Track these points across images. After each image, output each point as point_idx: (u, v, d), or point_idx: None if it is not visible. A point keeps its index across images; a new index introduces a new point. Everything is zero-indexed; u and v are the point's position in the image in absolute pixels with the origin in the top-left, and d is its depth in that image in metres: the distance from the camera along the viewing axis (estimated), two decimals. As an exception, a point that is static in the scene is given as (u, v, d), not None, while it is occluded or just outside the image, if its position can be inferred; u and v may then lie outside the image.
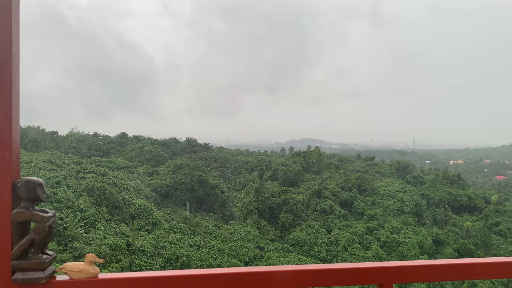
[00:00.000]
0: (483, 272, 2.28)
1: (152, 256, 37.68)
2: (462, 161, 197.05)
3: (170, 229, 46.87)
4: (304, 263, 41.23)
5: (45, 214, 1.78)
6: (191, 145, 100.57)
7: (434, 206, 67.42)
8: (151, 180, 65.97)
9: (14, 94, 1.71)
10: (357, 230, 55.25)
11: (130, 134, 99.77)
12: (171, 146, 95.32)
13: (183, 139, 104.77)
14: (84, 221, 38.95)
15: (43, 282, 1.74)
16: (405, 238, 53.88)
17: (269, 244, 50.65)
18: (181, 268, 36.29)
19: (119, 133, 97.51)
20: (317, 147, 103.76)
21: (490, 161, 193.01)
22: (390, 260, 45.45)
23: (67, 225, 35.59)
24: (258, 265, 41.68)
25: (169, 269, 24.09)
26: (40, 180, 1.81)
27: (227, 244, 45.99)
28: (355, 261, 46.57)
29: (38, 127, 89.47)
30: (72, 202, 42.23)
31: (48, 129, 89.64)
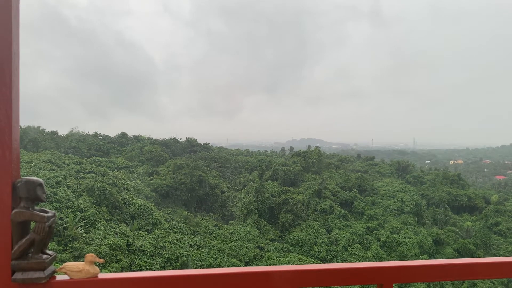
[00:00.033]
0: (483, 272, 2.28)
1: (152, 256, 37.68)
2: (462, 161, 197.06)
3: (170, 229, 46.88)
4: (304, 263, 41.23)
5: (45, 214, 1.78)
6: (191, 145, 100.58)
7: (434, 206, 67.43)
8: (151, 180, 65.97)
9: (14, 94, 1.71)
10: (357, 230, 55.27)
11: (130, 134, 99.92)
12: (171, 146, 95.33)
13: (183, 139, 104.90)
14: (84, 221, 38.95)
15: (43, 282, 1.74)
16: (405, 238, 53.89)
17: (269, 244, 50.66)
18: (181, 268, 36.30)
19: (119, 133, 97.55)
20: (317, 147, 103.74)
21: (490, 161, 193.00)
22: (390, 260, 45.47)
23: (67, 225, 35.60)
24: (258, 265, 41.70)
25: (169, 269, 24.08)
26: (40, 180, 1.80)
27: (227, 244, 46.00)
28: (355, 261, 46.58)
29: (38, 127, 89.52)
30: (72, 202, 42.24)
31: (48, 129, 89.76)
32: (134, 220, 46.44)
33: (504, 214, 63.62)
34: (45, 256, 1.79)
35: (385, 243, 53.18)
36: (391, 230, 56.90)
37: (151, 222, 47.11)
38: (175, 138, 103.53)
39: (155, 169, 72.92)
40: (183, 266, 37.21)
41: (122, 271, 32.67)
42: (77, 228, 36.88)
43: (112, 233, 38.87)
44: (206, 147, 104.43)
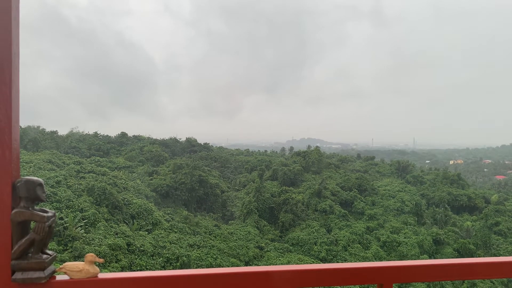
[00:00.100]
0: (483, 272, 2.28)
1: (152, 256, 37.69)
2: (462, 161, 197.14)
3: (170, 229, 46.89)
4: (304, 263, 41.24)
5: (45, 214, 1.77)
6: (191, 145, 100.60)
7: (434, 206, 67.44)
8: (151, 180, 65.97)
9: (14, 94, 1.71)
10: (357, 230, 55.27)
11: (130, 134, 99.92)
12: (171, 146, 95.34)
13: (183, 139, 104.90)
14: (84, 221, 38.96)
15: (43, 282, 1.74)
16: (405, 238, 53.89)
17: (269, 244, 50.67)
18: (181, 268, 36.31)
19: (119, 133, 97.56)
20: (317, 147, 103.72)
21: (490, 161, 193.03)
22: (390, 260, 45.49)
23: (67, 225, 35.60)
24: (258, 265, 41.71)
25: (169, 269, 24.09)
26: (40, 179, 1.80)
27: (227, 244, 46.00)
28: (355, 261, 46.59)
29: (38, 127, 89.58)
30: (72, 202, 42.25)
31: (48, 129, 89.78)
32: (134, 220, 46.45)
33: (504, 214, 63.63)
34: (45, 256, 1.79)
35: (385, 243, 53.19)
36: (391, 230, 56.90)
37: (151, 222, 47.12)
38: (175, 138, 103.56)
39: (155, 169, 72.94)
40: (183, 266, 37.21)
41: (122, 271, 32.68)
42: (77, 228, 36.89)
43: (112, 233, 38.88)
44: (206, 147, 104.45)
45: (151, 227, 46.27)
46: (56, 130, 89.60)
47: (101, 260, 1.93)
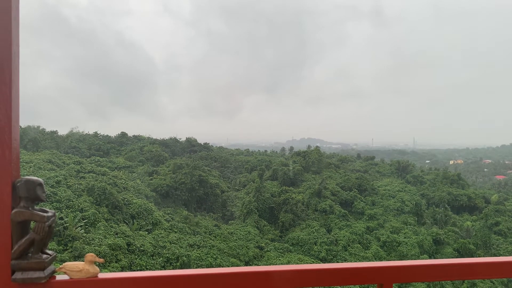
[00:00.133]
0: (483, 272, 2.28)
1: (152, 255, 37.70)
2: (462, 161, 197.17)
3: (170, 229, 46.90)
4: (304, 263, 41.25)
5: (45, 214, 1.77)
6: (191, 145, 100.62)
7: (434, 206, 67.45)
8: (151, 180, 65.99)
9: (14, 94, 1.71)
10: (357, 230, 55.29)
11: (130, 134, 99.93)
12: (171, 146, 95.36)
13: (183, 139, 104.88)
14: (84, 221, 38.97)
15: (43, 282, 1.74)
16: (405, 238, 53.91)
17: (269, 244, 50.68)
18: (181, 267, 36.32)
19: (119, 133, 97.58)
20: (317, 147, 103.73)
21: (490, 161, 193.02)
22: (390, 260, 45.50)
23: (67, 224, 35.61)
24: (258, 265, 41.75)
25: (169, 269, 24.08)
26: (40, 179, 1.80)
27: (227, 243, 46.01)
28: (355, 261, 46.60)
29: (38, 126, 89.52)
30: (72, 201, 42.26)
31: (48, 129, 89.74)
32: (134, 220, 46.46)
33: (504, 214, 63.64)
34: (45, 256, 1.79)
35: (385, 243, 53.20)
36: (391, 230, 56.92)
37: (151, 222, 47.13)
38: (175, 138, 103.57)
39: (155, 169, 72.95)
40: (183, 266, 37.22)
41: (122, 271, 32.68)
42: (77, 228, 36.90)
43: (112, 233, 38.89)
44: (206, 147, 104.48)
45: (151, 227, 46.28)
46: (56, 130, 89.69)
47: (101, 260, 1.93)
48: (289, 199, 60.76)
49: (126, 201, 49.01)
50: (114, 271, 31.11)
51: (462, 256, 49.20)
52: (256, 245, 49.14)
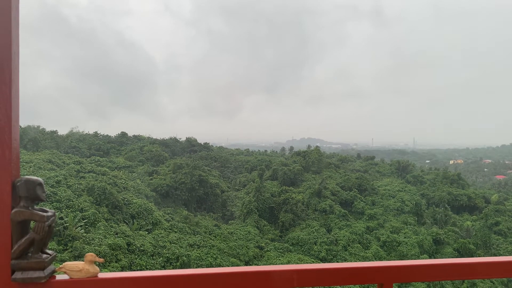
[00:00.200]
0: (483, 272, 2.28)
1: (152, 255, 37.70)
2: (462, 161, 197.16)
3: (170, 229, 46.89)
4: (304, 263, 41.24)
5: (45, 214, 1.77)
6: (191, 145, 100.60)
7: (434, 205, 67.44)
8: (151, 179, 65.99)
9: (13, 93, 1.71)
10: (357, 230, 55.28)
11: (130, 133, 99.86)
12: (171, 146, 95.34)
13: (183, 138, 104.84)
14: (84, 221, 38.97)
15: (42, 282, 1.74)
16: (405, 237, 53.90)
17: (269, 244, 50.68)
18: (181, 267, 36.32)
19: (119, 133, 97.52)
20: (317, 146, 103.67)
21: (490, 161, 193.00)
22: (390, 260, 45.48)
23: (67, 224, 35.61)
24: (258, 265, 41.74)
25: (169, 269, 24.05)
26: (40, 179, 1.80)
27: (227, 243, 46.01)
28: (355, 261, 46.60)
29: (38, 126, 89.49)
30: (72, 201, 42.26)
31: (48, 129, 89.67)
32: (134, 220, 46.45)
33: (504, 214, 63.64)
34: (45, 255, 1.79)
35: (385, 243, 53.20)
36: (391, 229, 56.92)
37: (151, 221, 47.12)
38: (175, 137, 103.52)
39: (155, 168, 72.95)
40: (183, 265, 37.23)
41: (122, 270, 32.69)
42: (77, 227, 36.90)
43: (112, 232, 38.89)
44: (206, 146, 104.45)
45: (151, 227, 46.28)
46: (56, 130, 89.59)
47: (101, 259, 1.92)
48: (289, 199, 60.76)
49: (126, 201, 49.01)
50: (114, 271, 31.12)
51: (462, 256, 49.20)
52: (256, 245, 49.14)
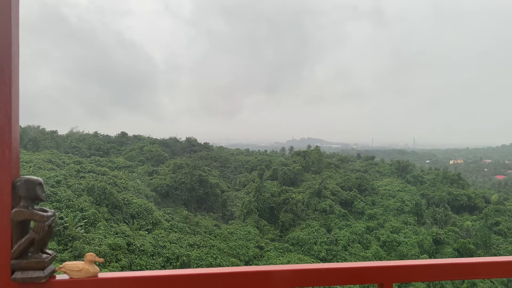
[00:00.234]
0: (483, 272, 2.28)
1: (152, 255, 37.70)
2: (462, 161, 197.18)
3: (170, 229, 46.89)
4: (304, 263, 41.24)
5: (45, 213, 1.77)
6: (191, 145, 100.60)
7: (434, 205, 67.44)
8: (151, 179, 66.00)
9: (13, 93, 1.71)
10: (357, 230, 55.28)
11: (130, 133, 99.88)
12: (171, 146, 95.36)
13: (183, 138, 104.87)
14: (84, 221, 38.97)
15: (42, 281, 1.74)
16: (405, 237, 53.91)
17: (269, 244, 50.68)
18: (181, 267, 36.32)
19: (119, 133, 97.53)
20: (317, 146, 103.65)
21: (490, 161, 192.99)
22: (390, 260, 45.46)
23: (67, 224, 35.61)
24: (258, 265, 41.74)
25: (169, 269, 24.09)
26: (40, 179, 1.80)
27: (227, 243, 46.01)
28: (355, 261, 46.60)
29: (38, 126, 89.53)
30: (72, 201, 42.26)
31: (48, 129, 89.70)
32: (134, 220, 46.45)
33: (504, 214, 63.64)
34: (44, 255, 1.79)
35: (385, 243, 53.20)
36: (391, 229, 56.92)
37: (151, 221, 47.12)
38: (175, 137, 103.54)
39: (155, 168, 72.95)
40: (183, 265, 37.23)
41: (122, 270, 32.69)
42: (77, 227, 36.91)
43: (112, 232, 38.89)
44: (206, 146, 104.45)
45: (151, 226, 46.28)
46: (56, 130, 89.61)
47: (101, 259, 1.92)
48: (289, 199, 60.76)
49: (126, 201, 49.00)
50: (114, 271, 31.14)
51: (462, 256, 49.21)
52: (256, 245, 49.13)
